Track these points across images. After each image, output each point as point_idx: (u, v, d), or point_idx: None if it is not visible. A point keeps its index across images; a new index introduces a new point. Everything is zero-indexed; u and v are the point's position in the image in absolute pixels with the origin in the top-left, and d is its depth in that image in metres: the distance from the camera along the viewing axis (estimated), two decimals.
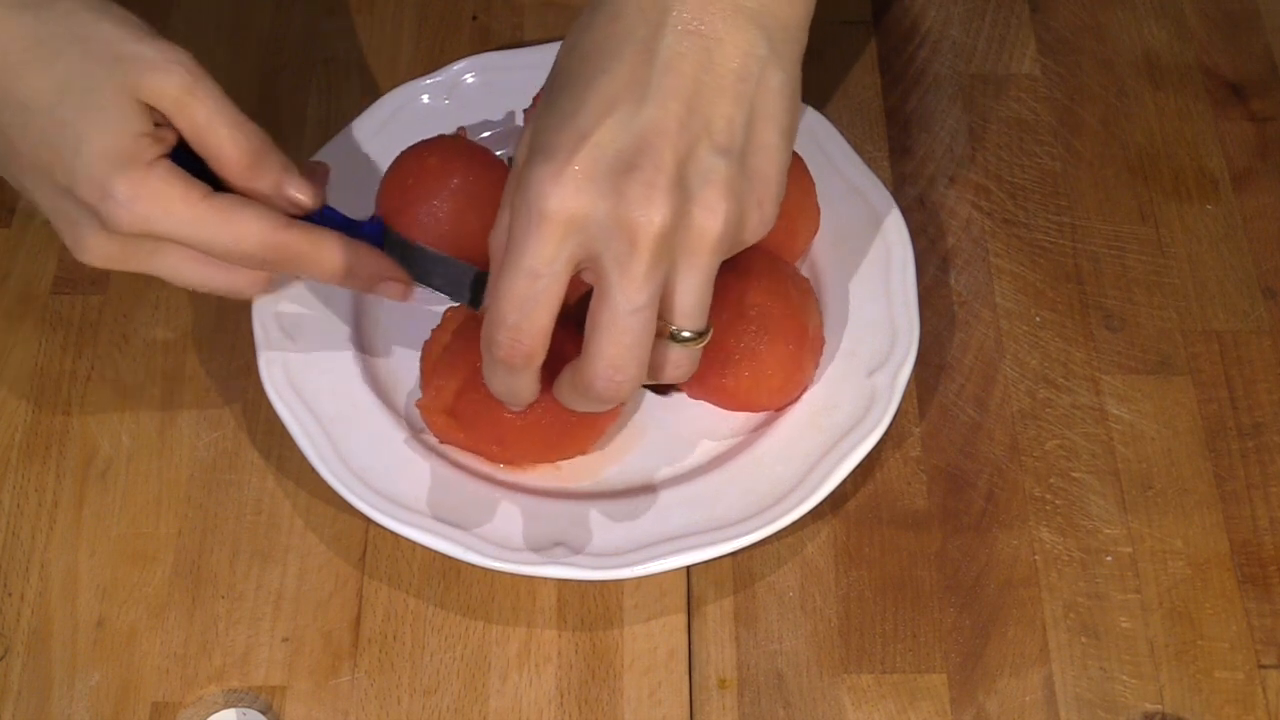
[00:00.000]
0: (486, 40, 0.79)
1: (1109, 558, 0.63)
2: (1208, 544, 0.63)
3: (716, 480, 0.62)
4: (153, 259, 0.57)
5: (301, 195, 0.57)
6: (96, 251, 0.56)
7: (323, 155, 0.71)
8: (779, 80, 0.51)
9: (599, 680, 0.60)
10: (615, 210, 0.48)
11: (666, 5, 0.50)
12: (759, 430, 0.64)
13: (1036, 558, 0.63)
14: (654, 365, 0.53)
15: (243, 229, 0.55)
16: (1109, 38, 0.80)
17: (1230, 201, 0.74)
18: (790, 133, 0.52)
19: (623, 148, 0.49)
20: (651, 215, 0.48)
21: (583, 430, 0.62)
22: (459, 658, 0.60)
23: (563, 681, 0.60)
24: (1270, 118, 0.77)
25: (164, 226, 0.54)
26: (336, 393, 0.64)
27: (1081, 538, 0.63)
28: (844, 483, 0.62)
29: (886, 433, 0.63)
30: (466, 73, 0.74)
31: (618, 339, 0.50)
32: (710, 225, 0.49)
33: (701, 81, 0.50)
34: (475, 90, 0.74)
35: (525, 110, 0.71)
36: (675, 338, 0.52)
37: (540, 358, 0.53)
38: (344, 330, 0.66)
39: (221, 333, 0.69)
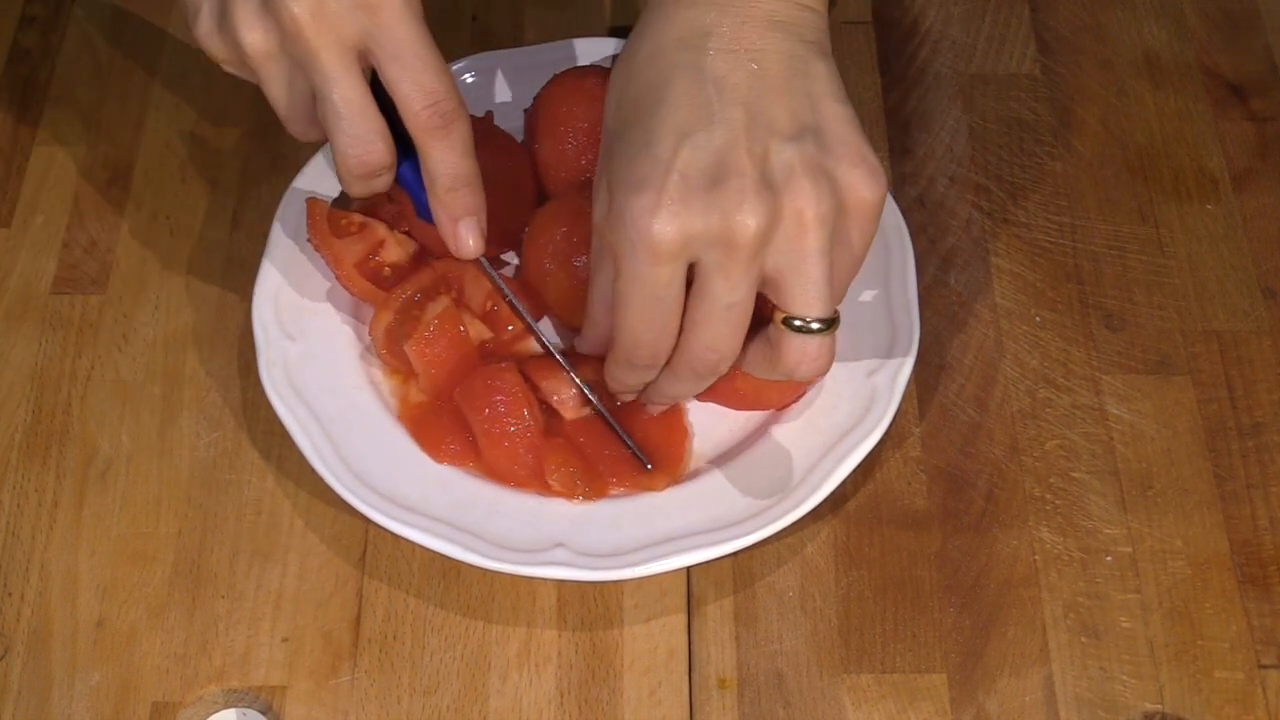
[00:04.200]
0: (486, 40, 0.79)
1: (1109, 558, 0.63)
2: (1208, 544, 0.63)
3: (716, 480, 0.62)
4: (273, 72, 0.56)
5: (471, 242, 0.60)
6: (248, 25, 0.54)
7: (324, 155, 0.71)
8: (822, 67, 0.55)
9: (599, 680, 0.60)
10: (714, 223, 0.51)
11: (705, 32, 0.54)
12: (759, 430, 0.64)
13: (1036, 558, 0.63)
14: (790, 363, 0.55)
15: (366, 130, 0.56)
16: (1109, 38, 0.80)
17: (1230, 201, 0.74)
18: (848, 101, 0.55)
19: (705, 166, 0.52)
20: (747, 220, 0.51)
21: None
22: (459, 658, 0.60)
23: (563, 681, 0.60)
24: (1270, 118, 0.77)
25: (318, 49, 0.54)
26: (336, 393, 0.64)
27: (1081, 538, 0.63)
28: (844, 483, 0.62)
29: (886, 433, 0.63)
30: (466, 73, 0.74)
31: (716, 329, 0.54)
32: (804, 207, 0.52)
33: (755, 89, 0.53)
34: (475, 90, 0.74)
35: (525, 110, 0.71)
36: (804, 330, 0.54)
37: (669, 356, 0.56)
38: (344, 330, 0.66)
39: (221, 333, 0.69)
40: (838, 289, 0.55)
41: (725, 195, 0.51)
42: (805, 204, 0.52)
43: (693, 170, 0.52)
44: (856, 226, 0.54)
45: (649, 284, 0.53)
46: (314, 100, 0.56)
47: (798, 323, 0.54)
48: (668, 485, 0.62)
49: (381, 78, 0.56)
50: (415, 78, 0.55)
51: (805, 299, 0.53)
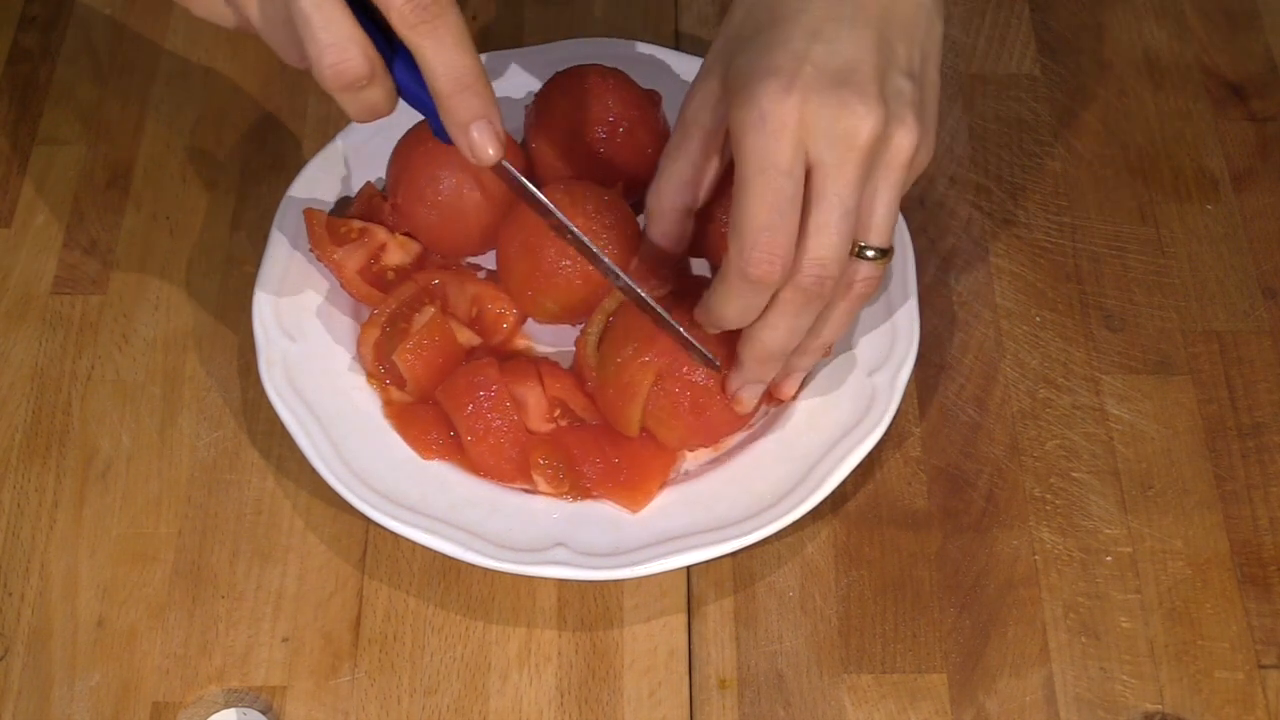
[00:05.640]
0: (486, 40, 0.79)
1: (1109, 558, 0.63)
2: (1208, 544, 0.63)
3: (716, 480, 0.62)
4: None
5: (489, 149, 0.55)
6: None
7: (323, 155, 0.71)
8: (940, 29, 0.58)
9: (599, 680, 0.60)
10: (837, 116, 0.53)
11: None
12: (759, 430, 0.64)
13: (1036, 558, 0.63)
14: (849, 278, 0.57)
15: (338, 35, 0.52)
16: (1109, 38, 0.80)
17: (1230, 201, 0.74)
18: (939, 71, 0.59)
19: (836, 66, 0.54)
20: (868, 120, 0.54)
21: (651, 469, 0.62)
22: (459, 658, 0.60)
23: (563, 681, 0.60)
24: (1270, 118, 0.77)
25: None
26: (336, 393, 0.64)
27: (1081, 538, 0.63)
28: (844, 483, 0.62)
29: (886, 433, 0.63)
30: None
31: (829, 239, 0.54)
32: (906, 141, 0.55)
33: (885, 20, 0.56)
34: None
35: (526, 108, 0.71)
36: (862, 255, 0.56)
37: (786, 275, 0.55)
38: (344, 331, 0.66)
39: (221, 333, 0.69)
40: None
41: (850, 94, 0.54)
42: (907, 138, 0.55)
43: (824, 66, 0.54)
44: (905, 184, 0.57)
45: (773, 156, 0.53)
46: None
47: (860, 245, 0.56)
48: (640, 508, 0.61)
49: None
50: None
51: (876, 226, 0.56)
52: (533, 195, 0.58)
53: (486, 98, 0.54)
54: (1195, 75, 0.78)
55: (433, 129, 0.56)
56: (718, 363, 0.60)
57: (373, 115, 0.55)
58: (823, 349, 0.61)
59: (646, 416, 0.62)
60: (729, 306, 0.57)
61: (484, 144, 0.55)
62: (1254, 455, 0.66)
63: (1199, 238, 0.72)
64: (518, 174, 0.57)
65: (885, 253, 0.56)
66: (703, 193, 0.62)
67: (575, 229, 0.59)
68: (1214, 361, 0.68)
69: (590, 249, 0.59)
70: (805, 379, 0.65)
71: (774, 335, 0.57)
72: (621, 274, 0.59)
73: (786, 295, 0.56)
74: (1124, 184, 0.74)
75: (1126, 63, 0.79)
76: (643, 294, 0.59)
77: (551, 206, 0.58)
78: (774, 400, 0.64)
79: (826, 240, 0.54)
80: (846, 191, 0.54)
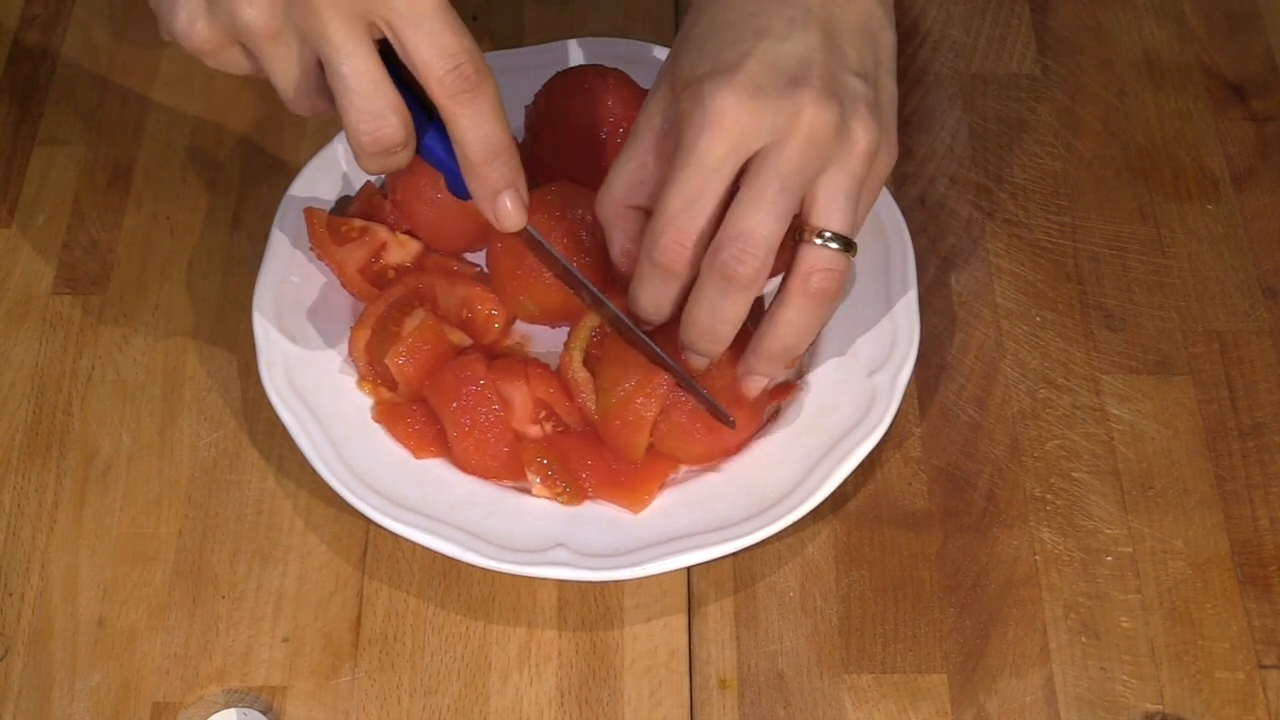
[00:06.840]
0: (486, 40, 0.79)
1: (1109, 558, 0.63)
2: (1208, 544, 0.63)
3: (716, 480, 0.62)
4: (238, 60, 0.55)
5: (515, 215, 0.56)
6: (248, 2, 0.52)
7: (323, 155, 0.71)
8: (890, 39, 0.58)
9: (599, 680, 0.60)
10: (780, 109, 0.53)
11: None
12: (759, 430, 0.64)
13: (1037, 558, 0.63)
14: (805, 269, 0.56)
15: (380, 105, 0.53)
16: (1109, 38, 0.80)
17: (1230, 201, 0.74)
18: (895, 79, 0.59)
19: (783, 65, 0.55)
20: (815, 115, 0.54)
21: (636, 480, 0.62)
22: (459, 658, 0.60)
23: (563, 681, 0.60)
24: (1270, 118, 0.77)
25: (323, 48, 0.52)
26: (336, 393, 0.64)
27: (1082, 538, 0.63)
28: (844, 483, 0.62)
29: (887, 433, 0.63)
30: None
31: (761, 213, 0.54)
32: (863, 135, 0.55)
33: (832, 25, 0.56)
34: None
35: (526, 107, 0.71)
36: (825, 243, 0.55)
37: (694, 270, 0.55)
38: (344, 331, 0.66)
39: (221, 333, 0.69)
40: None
41: (797, 90, 0.54)
42: (864, 132, 0.55)
43: (771, 64, 0.54)
44: (868, 190, 0.57)
45: (701, 152, 0.54)
46: (321, 74, 0.53)
47: (819, 239, 0.55)
48: (642, 509, 0.61)
49: (396, 45, 0.53)
50: (434, 41, 0.52)
51: (834, 212, 0.55)
52: (557, 262, 0.60)
53: (515, 167, 0.56)
54: (1195, 75, 0.78)
55: (449, 187, 0.57)
56: (731, 418, 0.60)
57: (387, 172, 0.57)
58: (783, 353, 0.58)
59: (659, 443, 0.62)
60: (640, 293, 0.58)
61: (510, 211, 0.56)
62: (1254, 455, 0.66)
63: (1199, 238, 0.72)
64: (543, 239, 0.59)
65: (848, 244, 0.55)
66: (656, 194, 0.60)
67: (598, 291, 0.60)
68: (1214, 361, 0.68)
69: (613, 311, 0.60)
70: (802, 378, 0.65)
71: (699, 310, 0.57)
72: (647, 339, 0.60)
73: (704, 272, 0.55)
74: (1124, 184, 0.74)
75: (1126, 63, 0.79)
76: (664, 356, 0.60)
77: (576, 271, 0.60)
78: (776, 395, 0.64)
79: (749, 213, 0.54)
80: (787, 169, 0.54)
